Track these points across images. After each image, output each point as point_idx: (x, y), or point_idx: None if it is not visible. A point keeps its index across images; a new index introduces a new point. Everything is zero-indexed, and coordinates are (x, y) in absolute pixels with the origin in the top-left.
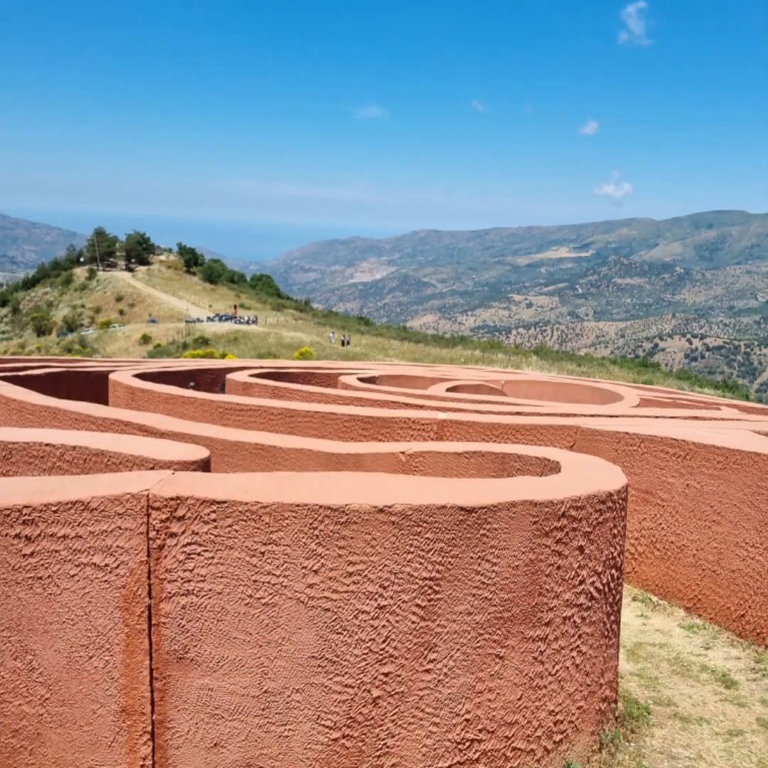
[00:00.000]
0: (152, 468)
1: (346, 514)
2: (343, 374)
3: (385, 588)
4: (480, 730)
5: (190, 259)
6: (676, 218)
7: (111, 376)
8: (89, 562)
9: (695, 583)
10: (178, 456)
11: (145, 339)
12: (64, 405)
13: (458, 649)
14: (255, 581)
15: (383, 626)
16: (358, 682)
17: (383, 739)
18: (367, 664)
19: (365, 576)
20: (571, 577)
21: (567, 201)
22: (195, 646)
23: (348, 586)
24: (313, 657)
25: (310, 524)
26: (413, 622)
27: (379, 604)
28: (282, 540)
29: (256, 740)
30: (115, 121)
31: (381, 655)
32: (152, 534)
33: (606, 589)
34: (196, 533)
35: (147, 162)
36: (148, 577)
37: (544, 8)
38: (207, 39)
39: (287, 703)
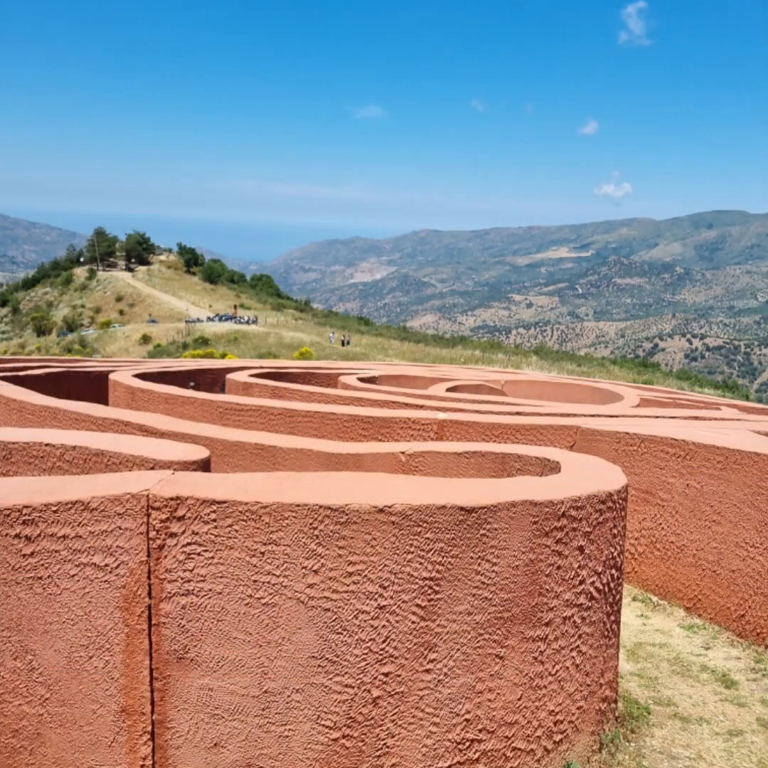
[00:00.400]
0: (152, 468)
1: (346, 514)
2: (343, 374)
3: (385, 588)
4: (480, 730)
5: (190, 259)
6: (676, 218)
7: (111, 376)
8: (89, 562)
9: (695, 583)
10: (178, 456)
11: (145, 339)
12: (64, 405)
13: (458, 649)
14: (255, 581)
15: (383, 626)
16: (358, 682)
17: (383, 739)
18: (367, 664)
19: (365, 576)
20: (571, 577)
21: (567, 201)
22: (195, 646)
23: (348, 586)
24: (313, 657)
25: (310, 524)
26: (413, 622)
27: (379, 604)
28: (282, 540)
29: (256, 740)
30: (115, 121)
31: (381, 655)
32: (152, 534)
33: (606, 589)
34: (196, 533)
35: (147, 162)
36: (148, 577)
37: (544, 8)
38: (207, 39)
39: (287, 703)
